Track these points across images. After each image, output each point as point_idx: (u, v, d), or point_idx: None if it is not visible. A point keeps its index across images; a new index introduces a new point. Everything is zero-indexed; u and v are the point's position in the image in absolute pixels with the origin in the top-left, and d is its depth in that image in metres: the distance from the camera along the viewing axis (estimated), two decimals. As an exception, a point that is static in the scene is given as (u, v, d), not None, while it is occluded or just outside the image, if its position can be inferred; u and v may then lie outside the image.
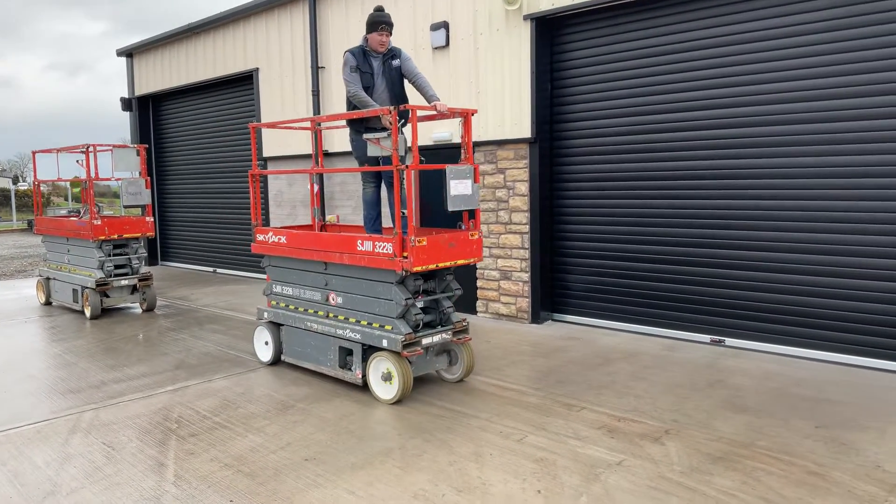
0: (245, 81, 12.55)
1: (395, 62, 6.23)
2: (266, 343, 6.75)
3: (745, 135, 6.69)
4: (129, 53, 15.22)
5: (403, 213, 5.44)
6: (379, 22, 6.08)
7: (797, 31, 6.31)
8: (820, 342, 6.39)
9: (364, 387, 5.76)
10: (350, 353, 5.91)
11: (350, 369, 5.88)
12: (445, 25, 8.74)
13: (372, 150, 5.79)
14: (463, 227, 5.77)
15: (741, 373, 6.04)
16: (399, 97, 6.26)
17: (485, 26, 8.39)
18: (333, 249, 5.88)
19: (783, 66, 6.41)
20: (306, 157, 11.11)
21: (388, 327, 5.48)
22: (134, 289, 9.73)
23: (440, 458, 4.39)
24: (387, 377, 5.47)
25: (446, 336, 5.71)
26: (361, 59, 6.13)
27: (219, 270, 13.88)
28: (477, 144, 8.56)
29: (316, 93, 10.58)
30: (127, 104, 15.28)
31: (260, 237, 6.70)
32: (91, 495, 4.00)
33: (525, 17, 7.93)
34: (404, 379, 5.36)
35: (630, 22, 7.44)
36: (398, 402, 5.42)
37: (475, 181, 5.58)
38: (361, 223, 9.49)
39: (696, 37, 6.97)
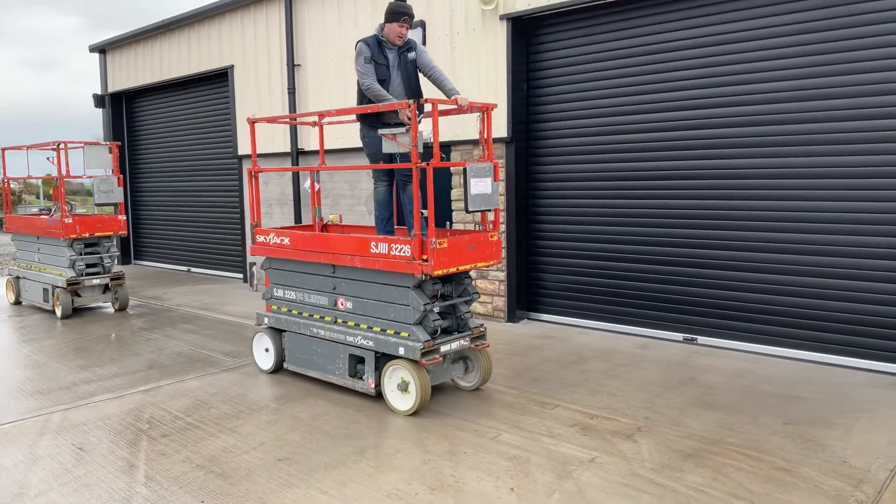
0: (220, 79, 12.43)
1: (411, 54, 5.88)
2: (266, 350, 6.39)
3: (717, 136, 6.77)
4: (101, 49, 15.01)
5: (423, 214, 5.10)
6: (401, 13, 5.68)
7: (775, 32, 6.40)
8: (790, 340, 6.49)
9: (377, 397, 5.43)
10: (361, 360, 5.59)
11: (361, 378, 5.55)
12: (422, 25, 8.74)
13: (388, 147, 5.39)
14: (481, 228, 5.46)
15: (713, 370, 6.12)
16: (415, 92, 5.92)
17: (461, 26, 8.40)
18: (344, 252, 5.52)
19: (759, 68, 6.49)
20: (283, 154, 11.03)
21: (404, 334, 5.17)
22: (106, 288, 9.60)
23: (414, 457, 4.40)
24: (403, 387, 5.15)
25: (464, 342, 5.39)
26: (376, 49, 5.74)
27: (193, 270, 13.74)
28: (454, 143, 8.57)
29: (292, 91, 10.52)
30: (99, 101, 15.06)
31: (260, 238, 6.33)
32: (60, 497, 3.94)
33: (501, 17, 7.95)
34: (422, 389, 5.05)
35: (607, 23, 7.50)
36: (415, 413, 5.11)
37: (495, 179, 5.29)
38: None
39: (672, 38, 7.04)
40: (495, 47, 8.03)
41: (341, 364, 5.70)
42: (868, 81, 5.91)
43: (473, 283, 5.56)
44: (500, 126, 8.05)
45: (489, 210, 5.33)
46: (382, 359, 5.38)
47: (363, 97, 5.81)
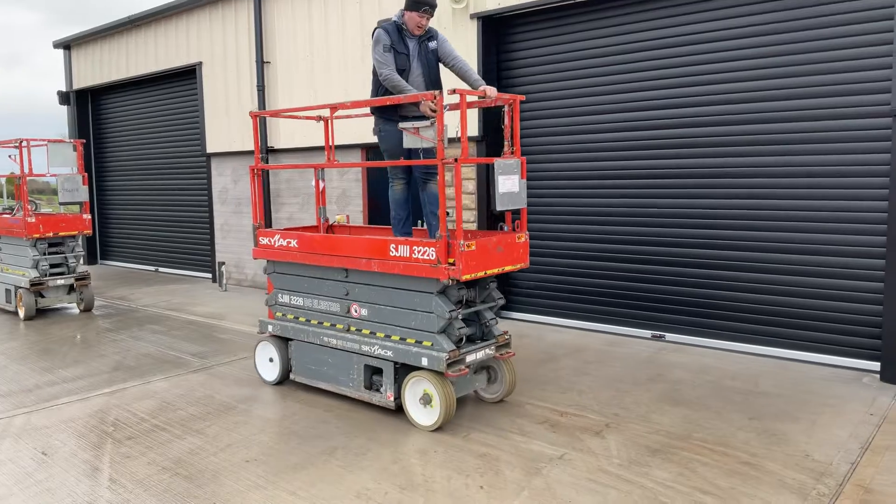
0: (188, 76, 12.26)
1: (433, 44, 5.52)
2: (271, 360, 5.95)
3: (680, 135, 6.85)
4: (66, 45, 14.71)
5: (450, 214, 4.80)
6: (422, 2, 5.30)
7: (743, 32, 6.49)
8: (754, 336, 6.59)
9: (397, 411, 5.06)
10: (377, 371, 5.21)
11: (378, 390, 5.17)
12: (392, 22, 8.69)
13: (409, 142, 5.05)
14: (506, 229, 5.18)
15: (680, 367, 6.20)
16: (435, 84, 5.56)
17: (433, 24, 8.34)
18: (359, 255, 5.10)
19: (726, 68, 6.58)
20: (250, 153, 10.92)
21: (426, 343, 4.80)
22: (71, 288, 9.41)
23: (384, 457, 4.38)
24: (426, 400, 4.79)
25: (489, 352, 5.07)
26: (396, 37, 5.36)
27: (161, 269, 13.54)
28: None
29: (261, 88, 10.41)
30: (64, 98, 14.76)
31: (263, 240, 5.86)
32: (20, 502, 3.86)
33: (472, 16, 7.96)
34: (447, 402, 4.69)
35: (577, 22, 7.54)
36: (438, 429, 4.76)
37: (522, 176, 4.94)
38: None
39: (641, 38, 7.10)
40: (466, 46, 8.03)
41: (355, 375, 5.29)
42: (836, 82, 6.02)
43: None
44: (472, 124, 8.04)
45: (517, 209, 4.98)
46: (402, 370, 5.02)
47: (380, 88, 5.44)
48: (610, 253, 7.50)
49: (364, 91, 9.12)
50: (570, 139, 7.71)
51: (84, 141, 10.20)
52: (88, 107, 14.86)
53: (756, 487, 3.88)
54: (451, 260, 4.57)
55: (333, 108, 5.61)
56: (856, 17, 5.86)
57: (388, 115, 5.50)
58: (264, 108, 10.42)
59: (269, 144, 10.50)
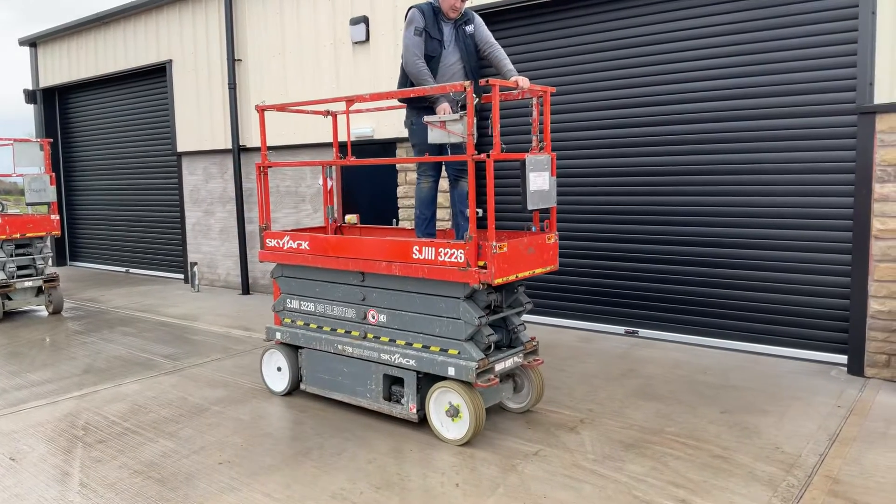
0: (158, 74, 12.09)
1: (469, 28, 5.12)
2: (279, 369, 5.63)
3: (651, 133, 6.92)
4: (32, 43, 14.42)
5: (479, 213, 4.50)
6: None
7: (711, 31, 6.56)
8: (725, 332, 6.68)
9: (420, 423, 4.75)
10: (397, 381, 4.92)
11: (399, 402, 4.87)
12: (365, 20, 8.67)
13: (435, 137, 4.61)
14: (533, 229, 4.92)
15: (652, 362, 6.26)
16: (474, 72, 5.19)
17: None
18: (378, 258, 4.77)
19: (693, 67, 6.65)
20: (223, 151, 10.82)
21: (453, 351, 4.51)
22: (39, 290, 9.25)
23: (359, 456, 4.37)
24: (453, 412, 4.51)
25: (518, 359, 4.80)
26: (431, 19, 4.98)
27: (132, 270, 13.35)
28: (399, 141, 8.54)
29: (232, 86, 10.30)
30: (31, 96, 14.47)
31: (270, 242, 5.52)
32: (-13, 509, 3.78)
33: (444, 14, 7.94)
34: (477, 414, 4.40)
35: (546, 21, 7.57)
36: (466, 443, 4.49)
37: (552, 174, 4.74)
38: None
39: (613, 36, 7.15)
40: (439, 44, 8.01)
41: (374, 386, 4.97)
42: (803, 80, 6.12)
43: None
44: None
45: (547, 208, 4.75)
46: (426, 380, 4.71)
47: (407, 77, 5.11)
48: (581, 250, 7.55)
49: (337, 89, 9.08)
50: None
51: (51, 140, 10.02)
52: (56, 105, 14.59)
53: (727, 480, 3.93)
54: (481, 263, 4.29)
55: (350, 100, 5.15)
56: (823, 16, 5.96)
57: (418, 106, 5.12)
58: (236, 107, 10.31)
59: (241, 143, 10.40)
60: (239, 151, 10.41)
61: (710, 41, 6.53)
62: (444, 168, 5.57)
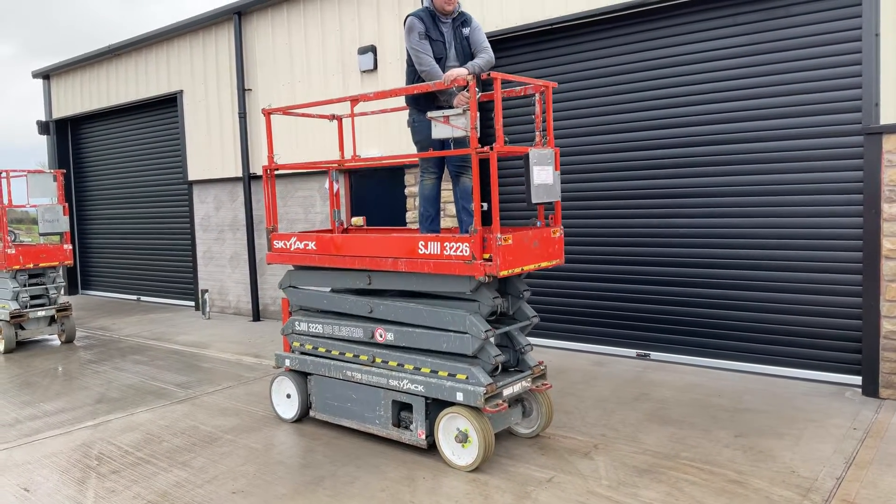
0: (169, 104, 12.26)
1: (466, 30, 5.23)
2: (288, 396, 5.64)
3: (661, 156, 6.95)
4: (45, 75, 14.67)
5: (484, 207, 4.54)
6: None
7: (711, 56, 6.62)
8: (738, 353, 6.65)
9: (430, 449, 4.76)
10: (406, 407, 4.91)
11: (408, 428, 4.86)
12: (373, 49, 8.79)
13: (438, 132, 4.67)
14: (539, 224, 4.92)
15: (665, 385, 6.23)
16: None
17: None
18: (384, 254, 4.75)
19: (700, 90, 6.70)
20: (234, 179, 10.93)
21: (461, 376, 4.49)
22: (52, 320, 9.31)
23: (372, 485, 4.36)
24: (462, 438, 4.50)
25: (526, 384, 4.77)
26: (430, 23, 5.11)
27: (143, 298, 13.42)
28: (407, 167, 8.61)
29: (242, 115, 10.43)
30: (44, 127, 14.69)
31: (278, 244, 5.55)
32: (2, 542, 3.79)
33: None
34: (486, 440, 4.39)
35: (553, 48, 7.65)
36: (479, 470, 4.48)
37: (556, 168, 4.75)
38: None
39: (619, 61, 7.21)
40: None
41: (383, 412, 4.95)
42: (811, 101, 6.15)
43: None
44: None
45: (551, 202, 4.77)
46: (434, 405, 4.71)
47: (414, 77, 5.19)
48: (592, 273, 7.55)
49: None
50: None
51: (64, 171, 10.14)
52: (68, 136, 14.80)
53: (744, 505, 3.90)
54: (486, 255, 4.30)
55: (354, 100, 5.24)
56: (827, 38, 6.00)
57: (423, 106, 5.20)
58: (246, 135, 10.43)
59: (251, 171, 10.51)
60: (249, 179, 10.51)
61: (717, 63, 6.59)
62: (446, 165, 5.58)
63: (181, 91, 11.66)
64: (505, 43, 7.98)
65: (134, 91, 12.65)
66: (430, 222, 5.51)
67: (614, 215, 7.35)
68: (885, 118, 5.57)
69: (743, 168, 6.51)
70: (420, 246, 4.58)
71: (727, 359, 6.70)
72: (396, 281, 4.89)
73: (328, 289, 5.49)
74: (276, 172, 5.83)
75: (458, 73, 4.71)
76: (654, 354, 7.16)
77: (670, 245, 6.99)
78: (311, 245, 5.32)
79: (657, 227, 7.07)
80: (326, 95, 9.44)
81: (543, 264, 4.70)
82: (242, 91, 10.42)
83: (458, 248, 4.39)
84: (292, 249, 5.47)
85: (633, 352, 7.29)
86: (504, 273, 4.29)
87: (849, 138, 5.94)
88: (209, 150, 11.31)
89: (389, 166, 8.85)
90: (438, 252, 4.50)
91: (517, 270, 4.44)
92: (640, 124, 7.09)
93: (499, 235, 4.26)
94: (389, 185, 9.04)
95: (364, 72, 8.95)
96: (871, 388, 5.74)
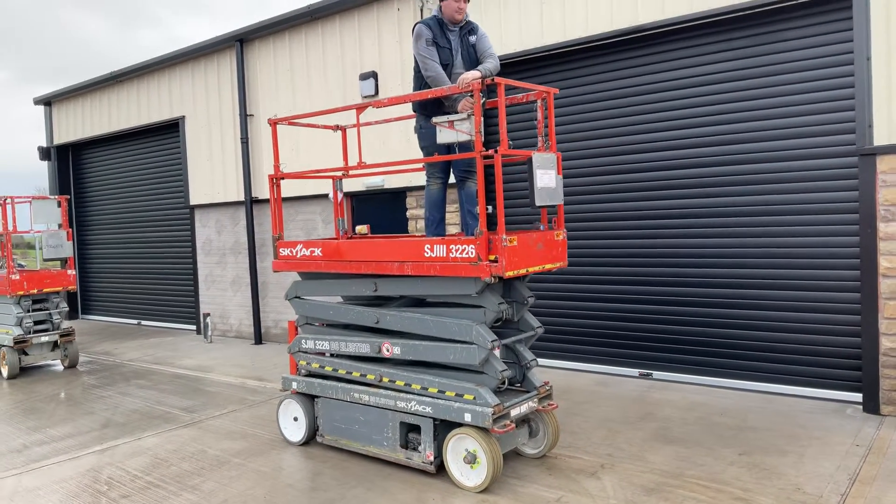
0: (171, 129, 12.39)
1: (472, 38, 5.37)
2: (295, 419, 5.65)
3: (663, 178, 7.06)
4: (47, 102, 14.81)
5: (489, 210, 4.55)
6: None
7: (710, 80, 6.76)
8: (740, 372, 6.71)
9: (438, 471, 4.76)
10: (413, 428, 4.92)
11: (416, 449, 4.84)
12: (374, 75, 8.93)
13: (443, 137, 4.76)
14: (542, 227, 4.98)
15: (669, 405, 6.28)
16: None
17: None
18: (390, 258, 4.75)
19: (703, 112, 6.83)
20: (236, 203, 11.02)
21: (468, 396, 4.52)
22: (55, 345, 9.34)
23: (382, 506, 4.39)
24: (470, 459, 4.52)
25: (533, 404, 4.82)
26: (438, 31, 5.24)
27: (144, 322, 13.44)
28: (409, 190, 8.71)
29: (245, 140, 10.55)
30: (45, 153, 14.79)
31: (284, 251, 5.58)
32: (16, 567, 3.81)
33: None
34: (495, 461, 4.41)
35: (551, 73, 7.79)
36: (488, 491, 4.49)
37: (558, 172, 4.84)
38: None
39: (620, 85, 7.36)
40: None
41: (390, 434, 4.94)
42: (806, 124, 6.28)
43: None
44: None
45: (554, 205, 4.85)
46: (442, 427, 4.71)
47: (420, 83, 5.29)
48: (594, 293, 7.63)
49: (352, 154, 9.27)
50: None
51: (68, 197, 10.23)
52: (69, 161, 14.91)
53: (751, 523, 3.94)
54: (492, 257, 4.35)
55: (360, 108, 5.31)
56: (820, 62, 6.14)
57: (430, 112, 5.29)
58: (248, 160, 10.54)
59: (253, 195, 10.60)
60: (251, 203, 10.60)
61: (714, 87, 6.72)
62: (451, 170, 5.66)
63: (183, 117, 11.79)
64: (506, 67, 8.11)
65: (136, 117, 12.78)
66: (436, 226, 5.60)
67: (616, 236, 7.45)
68: (879, 140, 5.70)
69: (742, 189, 6.62)
70: (426, 249, 4.63)
71: (730, 377, 6.76)
72: (402, 286, 4.92)
73: (334, 300, 5.52)
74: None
75: (472, 75, 4.83)
76: (656, 374, 7.21)
77: (671, 265, 7.08)
78: (317, 251, 5.35)
79: (658, 248, 7.16)
80: (328, 120, 9.56)
81: (548, 266, 4.76)
82: (244, 116, 10.55)
83: (463, 250, 4.45)
84: (298, 256, 5.51)
85: (635, 372, 7.35)
86: (510, 274, 4.33)
87: (843, 159, 6.06)
88: (211, 174, 11.42)
89: (392, 190, 8.95)
90: (444, 254, 4.55)
91: (522, 271, 4.49)
92: (639, 146, 7.22)
93: (504, 237, 4.32)
94: (391, 207, 9.14)
95: (365, 97, 9.08)
96: (871, 406, 5.81)
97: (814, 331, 6.31)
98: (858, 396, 5.99)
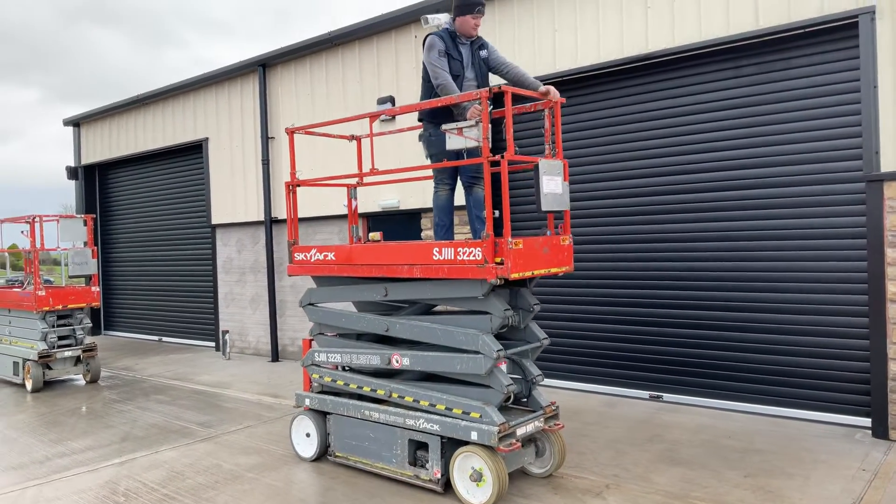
0: (194, 151, 12.71)
1: (483, 52, 5.59)
2: (307, 435, 5.80)
3: (674, 201, 7.16)
4: (76, 123, 15.25)
5: (496, 214, 4.67)
6: (474, 3, 5.40)
7: (718, 105, 6.87)
8: (749, 395, 6.74)
9: (445, 490, 4.85)
10: (422, 446, 5.03)
11: (424, 467, 4.96)
12: (391, 100, 9.15)
13: (452, 143, 4.89)
14: (548, 233, 5.12)
15: (677, 427, 6.32)
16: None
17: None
18: (400, 261, 4.93)
19: (712, 138, 6.93)
20: (256, 223, 11.26)
21: (474, 414, 4.64)
22: (77, 360, 9.57)
23: (389, 521, 4.48)
24: (476, 477, 4.61)
25: (539, 423, 4.91)
26: (450, 43, 5.44)
27: (164, 339, 13.69)
28: (423, 211, 8.87)
29: (266, 162, 10.81)
30: (73, 173, 15.21)
31: (299, 256, 5.77)
32: (36, 573, 3.96)
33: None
34: (500, 479, 4.50)
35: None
36: None
37: (565, 179, 4.97)
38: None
39: (630, 111, 7.49)
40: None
41: (399, 451, 5.08)
42: (816, 150, 6.35)
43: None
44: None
45: (560, 211, 4.97)
46: (449, 444, 4.82)
47: (430, 92, 5.46)
48: (605, 315, 7.70)
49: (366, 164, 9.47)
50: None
51: (94, 216, 10.52)
52: (95, 181, 15.30)
53: (751, 544, 3.98)
54: (498, 259, 4.46)
55: (373, 116, 5.51)
56: (828, 89, 6.24)
57: (439, 121, 5.43)
58: (269, 182, 10.79)
59: (273, 215, 10.84)
60: (271, 223, 10.83)
61: (723, 113, 6.83)
62: (459, 176, 5.82)
63: (206, 138, 12.11)
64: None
65: (161, 138, 13.13)
66: (445, 231, 5.76)
67: (626, 258, 7.54)
68: (886, 166, 5.76)
69: (750, 213, 6.69)
70: (434, 252, 4.78)
71: (739, 400, 6.79)
72: (412, 290, 5.08)
73: (346, 308, 5.70)
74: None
75: (474, 112, 4.95)
76: (666, 396, 7.25)
77: (682, 288, 7.14)
78: (331, 256, 5.54)
79: (669, 271, 7.23)
80: (348, 144, 9.77)
81: (553, 270, 4.87)
82: (266, 139, 10.82)
83: (470, 253, 4.59)
84: (312, 261, 5.69)
85: (645, 393, 7.39)
86: (515, 275, 4.44)
87: (851, 185, 6.13)
88: (233, 194, 11.69)
89: (407, 211, 9.12)
90: (452, 257, 4.69)
91: (528, 274, 4.61)
92: (649, 171, 7.32)
93: (510, 239, 4.43)
94: (405, 228, 9.30)
95: (383, 121, 9.29)
96: (880, 430, 5.81)
97: (823, 355, 6.34)
98: (867, 421, 6.00)
